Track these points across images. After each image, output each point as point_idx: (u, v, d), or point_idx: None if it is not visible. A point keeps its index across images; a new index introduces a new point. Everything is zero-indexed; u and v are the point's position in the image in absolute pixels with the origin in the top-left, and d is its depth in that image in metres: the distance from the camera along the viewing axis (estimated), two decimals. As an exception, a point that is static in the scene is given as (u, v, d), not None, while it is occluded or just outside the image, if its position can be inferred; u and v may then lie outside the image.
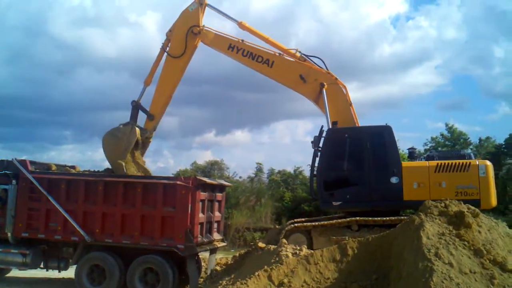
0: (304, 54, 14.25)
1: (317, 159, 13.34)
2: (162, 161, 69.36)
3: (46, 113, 69.55)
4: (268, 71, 13.98)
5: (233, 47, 14.23)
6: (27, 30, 58.90)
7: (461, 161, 12.86)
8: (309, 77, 13.80)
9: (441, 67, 70.71)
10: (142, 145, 14.72)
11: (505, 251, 8.64)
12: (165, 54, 14.63)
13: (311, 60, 14.26)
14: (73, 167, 15.17)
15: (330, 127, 13.34)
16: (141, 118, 14.68)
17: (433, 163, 12.98)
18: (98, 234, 12.67)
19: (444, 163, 12.81)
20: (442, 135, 33.02)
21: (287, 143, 76.82)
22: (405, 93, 70.62)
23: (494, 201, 12.51)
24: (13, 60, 60.93)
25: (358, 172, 13.11)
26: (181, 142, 76.11)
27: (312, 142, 13.45)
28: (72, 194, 13.05)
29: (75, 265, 13.03)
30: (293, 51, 14.27)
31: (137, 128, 14.19)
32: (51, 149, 75.61)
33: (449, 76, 73.47)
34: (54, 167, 14.34)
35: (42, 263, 13.63)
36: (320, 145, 13.32)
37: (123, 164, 13.73)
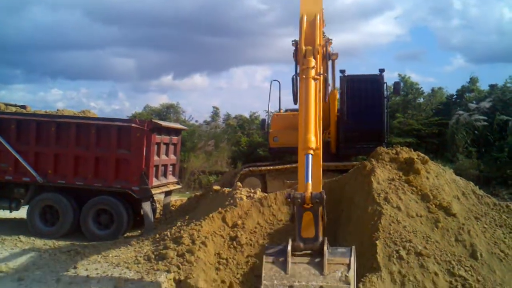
0: None
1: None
2: (117, 103, 68.33)
3: (-5, 50, 66.65)
4: None
5: None
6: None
7: None
8: None
9: (401, 17, 71.09)
10: None
11: (450, 197, 8.99)
12: None
13: None
14: (23, 107, 14.70)
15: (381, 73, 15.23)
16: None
17: None
18: (50, 175, 12.45)
19: None
20: None
21: (244, 88, 76.62)
22: (365, 42, 71.01)
23: None
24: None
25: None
26: (137, 84, 74.81)
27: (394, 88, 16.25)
28: (23, 134, 12.63)
29: (27, 206, 12.86)
30: None
31: None
32: (1, 88, 73.02)
33: (408, 26, 74.06)
34: (3, 107, 13.87)
35: (-8, 204, 13.34)
36: None
37: None
